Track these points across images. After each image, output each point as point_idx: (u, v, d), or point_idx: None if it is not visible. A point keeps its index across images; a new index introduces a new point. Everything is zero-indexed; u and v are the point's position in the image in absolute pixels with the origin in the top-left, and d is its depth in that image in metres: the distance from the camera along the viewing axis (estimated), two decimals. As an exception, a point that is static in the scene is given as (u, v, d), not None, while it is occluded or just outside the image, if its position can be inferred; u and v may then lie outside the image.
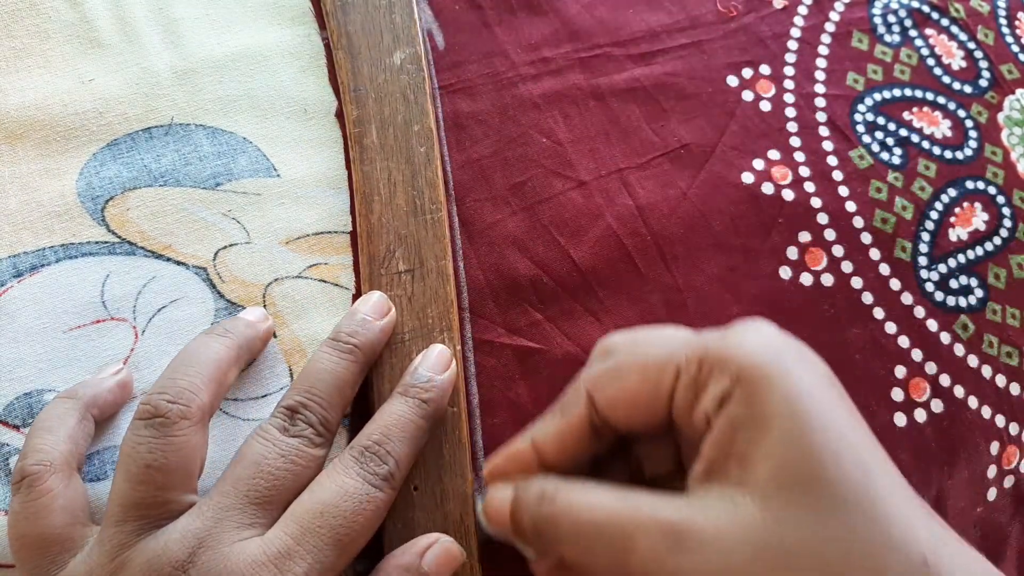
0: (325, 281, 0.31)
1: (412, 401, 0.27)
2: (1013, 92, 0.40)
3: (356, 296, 0.31)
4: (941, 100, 0.39)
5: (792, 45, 0.39)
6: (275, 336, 0.30)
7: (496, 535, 0.25)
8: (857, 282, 0.34)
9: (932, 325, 0.35)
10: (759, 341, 0.22)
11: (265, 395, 0.29)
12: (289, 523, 0.24)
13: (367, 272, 0.30)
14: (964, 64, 0.40)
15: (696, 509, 0.21)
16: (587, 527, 0.22)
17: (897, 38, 0.40)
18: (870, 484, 0.20)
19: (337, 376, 0.27)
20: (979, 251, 0.37)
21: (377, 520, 0.25)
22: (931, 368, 0.34)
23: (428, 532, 0.27)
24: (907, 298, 0.35)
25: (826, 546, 0.19)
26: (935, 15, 0.41)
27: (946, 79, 0.40)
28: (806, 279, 0.34)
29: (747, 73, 0.38)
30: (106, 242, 0.30)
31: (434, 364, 0.28)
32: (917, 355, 0.34)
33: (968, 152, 0.38)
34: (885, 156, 0.37)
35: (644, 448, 0.26)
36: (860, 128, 0.37)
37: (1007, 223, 0.37)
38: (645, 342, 0.24)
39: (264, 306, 0.30)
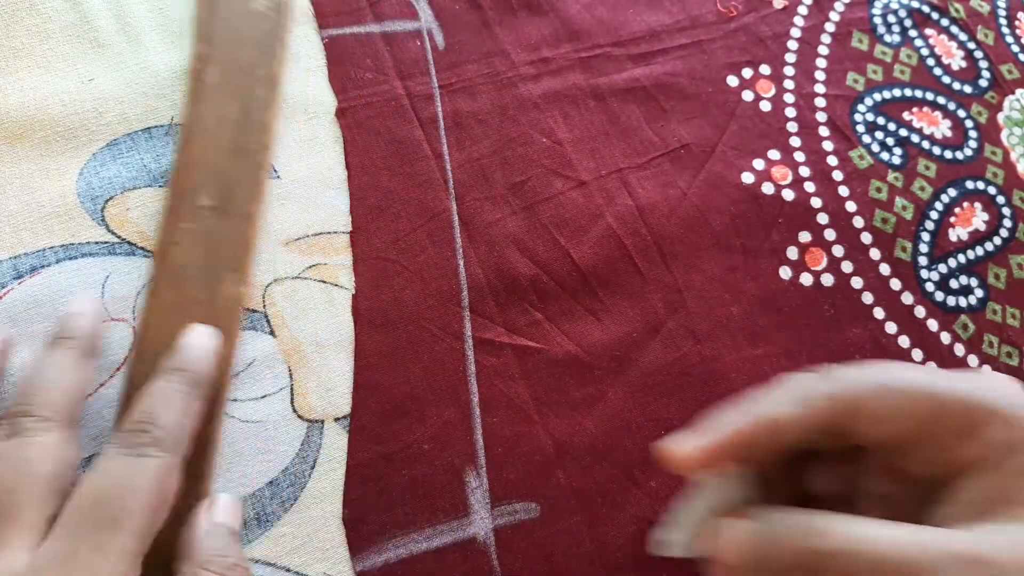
0: (325, 282, 0.31)
1: (166, 373, 0.26)
2: (1013, 92, 0.40)
3: (356, 296, 0.31)
4: (941, 100, 0.39)
5: (792, 45, 0.39)
6: (275, 336, 0.30)
7: (688, 554, 0.23)
8: (857, 282, 0.34)
9: (932, 325, 0.35)
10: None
11: (265, 396, 0.29)
12: (58, 529, 0.22)
13: (169, 202, 0.29)
14: (964, 64, 0.40)
15: (988, 538, 0.20)
16: (870, 562, 0.20)
17: (897, 38, 0.40)
18: None
19: (55, 365, 0.26)
20: (979, 251, 0.37)
21: (158, 486, 0.24)
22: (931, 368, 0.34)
23: None
24: (907, 298, 0.35)
25: None
26: (935, 15, 0.41)
27: (946, 79, 0.40)
28: (806, 279, 0.34)
29: (747, 73, 0.38)
30: (106, 242, 0.30)
31: (188, 341, 0.27)
32: (917, 355, 0.34)
33: (968, 152, 0.38)
34: (885, 156, 0.37)
35: (815, 469, 0.24)
36: (860, 128, 0.37)
37: (1007, 223, 0.37)
38: (912, 370, 0.23)
39: (264, 306, 0.30)
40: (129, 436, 0.24)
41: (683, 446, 0.23)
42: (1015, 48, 0.41)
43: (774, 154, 0.36)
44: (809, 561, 0.20)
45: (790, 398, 0.22)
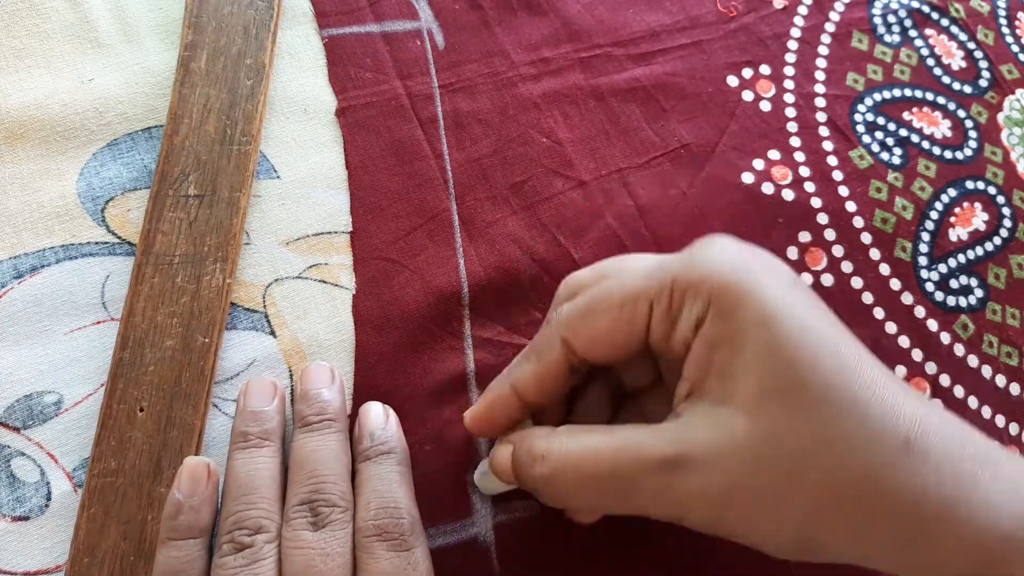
0: (325, 282, 0.31)
1: (377, 459, 0.27)
2: (1013, 92, 0.40)
3: (356, 296, 0.31)
4: (941, 100, 0.39)
5: (792, 45, 0.39)
6: (275, 336, 0.30)
7: (506, 489, 0.27)
8: (857, 282, 0.34)
9: (932, 325, 0.35)
10: (725, 259, 0.23)
11: (266, 396, 0.29)
12: None
13: (155, 190, 0.30)
14: (964, 64, 0.40)
15: (686, 434, 0.22)
16: (586, 476, 0.23)
17: (897, 38, 0.40)
18: (848, 381, 0.21)
19: (329, 450, 0.27)
20: (979, 251, 0.37)
21: (429, 571, 0.25)
22: (931, 368, 0.34)
23: (143, 453, 0.27)
24: (907, 298, 0.35)
25: (816, 445, 0.20)
26: (935, 15, 0.41)
27: (946, 79, 0.40)
28: (806, 279, 0.34)
29: (747, 73, 0.38)
30: (106, 243, 0.30)
31: (375, 419, 0.28)
32: (917, 355, 0.34)
33: (968, 152, 0.38)
34: (885, 156, 0.37)
35: (623, 367, 0.27)
36: (860, 128, 0.38)
37: (1007, 223, 0.37)
38: (613, 275, 0.25)
39: (264, 306, 0.30)
40: (394, 529, 0.25)
41: (466, 417, 0.27)
42: (1015, 48, 0.41)
43: (774, 154, 0.36)
44: (543, 484, 0.24)
45: (530, 354, 0.26)
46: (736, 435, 0.21)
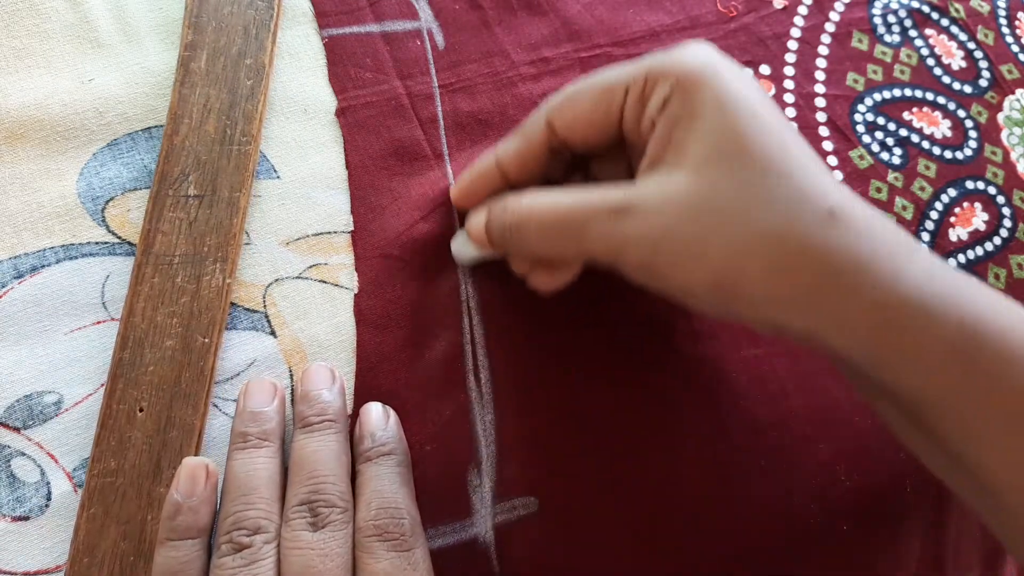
0: (325, 282, 0.31)
1: (377, 459, 0.27)
2: (1013, 92, 0.40)
3: (358, 296, 0.31)
4: (941, 100, 0.39)
5: (792, 45, 0.39)
6: (275, 336, 0.30)
7: (479, 257, 0.30)
8: (857, 282, 0.34)
9: (932, 325, 0.35)
10: (696, 53, 0.25)
11: (266, 396, 0.29)
12: None
13: (155, 190, 0.30)
14: (964, 64, 0.40)
15: (636, 190, 0.24)
16: (546, 223, 0.26)
17: (897, 38, 0.40)
18: (787, 155, 0.23)
19: (329, 451, 0.27)
20: (979, 251, 0.37)
21: (429, 571, 0.25)
22: (931, 368, 0.34)
23: (143, 453, 0.27)
24: (907, 298, 0.35)
25: (748, 203, 0.23)
26: (935, 15, 0.41)
27: (946, 79, 0.40)
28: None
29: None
30: (106, 243, 0.30)
31: (376, 421, 0.28)
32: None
33: (968, 152, 0.38)
34: (885, 156, 0.37)
35: (599, 165, 0.30)
36: (860, 128, 0.38)
37: (1007, 223, 0.37)
38: (599, 74, 0.27)
39: (264, 306, 0.30)
40: (394, 529, 0.25)
41: (452, 190, 0.30)
42: (1015, 48, 0.41)
43: (774, 154, 0.36)
44: (510, 231, 0.27)
45: (516, 133, 0.29)
46: (677, 190, 0.24)
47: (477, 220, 0.29)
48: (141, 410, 0.27)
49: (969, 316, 0.22)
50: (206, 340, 0.28)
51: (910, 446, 0.27)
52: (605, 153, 0.29)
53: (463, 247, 0.31)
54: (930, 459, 0.26)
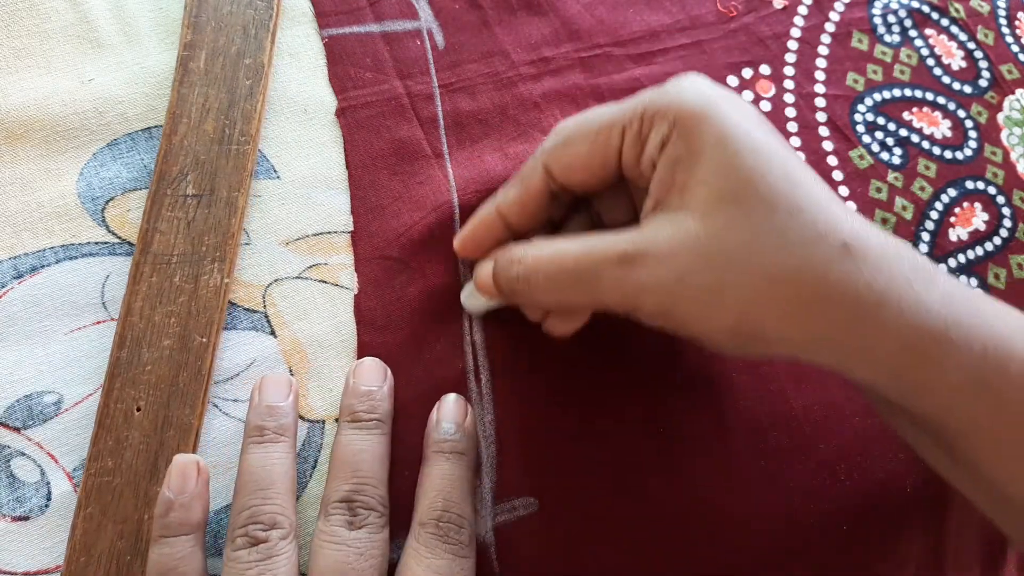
0: (325, 282, 0.31)
1: (452, 457, 0.27)
2: (1013, 92, 0.40)
3: (358, 296, 0.31)
4: (941, 100, 0.39)
5: (792, 45, 0.39)
6: (275, 337, 0.30)
7: (491, 307, 0.30)
8: (857, 282, 0.34)
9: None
10: (693, 89, 0.25)
11: (266, 396, 0.29)
12: None
13: (154, 189, 0.30)
14: (964, 64, 0.40)
15: (644, 236, 0.24)
16: (554, 274, 0.25)
17: (897, 38, 0.40)
18: (795, 190, 0.23)
19: (374, 453, 0.27)
20: (979, 251, 0.37)
21: None
22: (931, 368, 0.34)
23: (140, 453, 0.27)
24: (907, 298, 0.35)
25: (760, 245, 0.22)
26: (935, 15, 0.41)
27: (946, 79, 0.40)
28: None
29: (747, 73, 0.38)
30: (106, 243, 0.30)
31: (454, 413, 0.28)
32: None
33: (968, 152, 0.38)
34: (885, 156, 0.37)
35: (601, 202, 0.29)
36: (860, 128, 0.38)
37: (1007, 223, 0.37)
38: (592, 114, 0.27)
39: (264, 306, 0.30)
40: (452, 532, 0.26)
41: (456, 241, 0.29)
42: (1015, 48, 0.41)
43: (774, 154, 0.36)
44: (519, 283, 0.26)
45: (515, 181, 0.28)
46: (688, 234, 0.23)
47: (484, 272, 0.28)
48: (138, 409, 0.27)
49: (992, 340, 0.22)
50: (204, 340, 0.28)
51: (938, 469, 0.26)
52: (607, 191, 0.28)
53: (473, 298, 0.30)
54: (960, 483, 0.26)
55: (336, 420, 0.29)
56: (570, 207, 0.30)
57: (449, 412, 0.28)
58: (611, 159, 0.26)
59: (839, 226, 0.23)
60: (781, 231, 0.22)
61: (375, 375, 0.29)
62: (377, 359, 0.29)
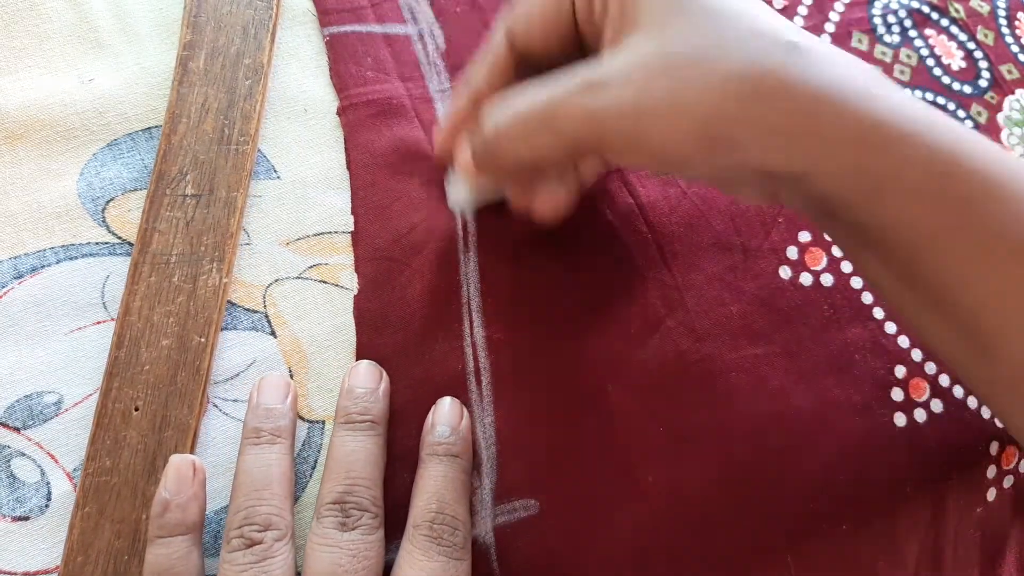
0: (326, 282, 0.31)
1: (447, 459, 0.27)
2: (1013, 92, 0.40)
3: (358, 297, 0.31)
4: (941, 100, 0.39)
5: (792, 45, 0.39)
6: (275, 337, 0.30)
7: (475, 199, 0.31)
8: (857, 282, 0.34)
9: (932, 325, 0.35)
10: None
11: (265, 396, 0.29)
12: None
13: (153, 189, 0.30)
14: (964, 64, 0.40)
15: (604, 63, 0.24)
16: (524, 117, 0.25)
17: (897, 38, 0.40)
18: (734, 1, 0.24)
19: (368, 452, 0.27)
20: (979, 251, 0.37)
21: None
22: (931, 368, 0.34)
23: (138, 453, 0.27)
24: (907, 298, 0.35)
25: (712, 46, 0.23)
26: (935, 15, 0.41)
27: (946, 79, 0.40)
28: (806, 279, 0.34)
29: (747, 73, 0.38)
30: (106, 243, 0.30)
31: (449, 417, 0.28)
32: (917, 355, 0.34)
33: (968, 152, 0.38)
34: (885, 156, 0.37)
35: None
36: (860, 128, 0.37)
37: (1007, 223, 0.37)
38: None
39: (264, 306, 0.30)
40: (446, 534, 0.26)
41: (437, 145, 0.31)
42: (1015, 48, 0.41)
43: (774, 154, 0.36)
44: (493, 144, 0.26)
45: (480, 57, 0.29)
46: (642, 51, 0.24)
47: (464, 154, 0.28)
48: (137, 409, 0.27)
49: (941, 143, 0.23)
50: (202, 339, 0.28)
51: (891, 299, 0.27)
52: (568, 61, 0.29)
53: (457, 190, 0.31)
54: (911, 310, 0.26)
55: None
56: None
57: (444, 415, 0.28)
58: (565, 8, 0.27)
59: (784, 29, 0.23)
60: (728, 31, 0.23)
61: (370, 378, 0.29)
62: (372, 362, 0.29)
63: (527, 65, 0.28)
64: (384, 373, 0.29)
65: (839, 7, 0.40)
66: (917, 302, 0.25)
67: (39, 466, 0.27)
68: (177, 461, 0.26)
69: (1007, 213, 0.22)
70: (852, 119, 0.22)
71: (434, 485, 0.27)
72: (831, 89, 0.22)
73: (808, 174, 0.23)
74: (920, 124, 0.23)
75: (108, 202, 0.30)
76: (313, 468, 0.29)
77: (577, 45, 0.28)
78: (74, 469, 0.27)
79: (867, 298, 0.34)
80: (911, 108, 0.23)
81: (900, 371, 0.33)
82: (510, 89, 0.27)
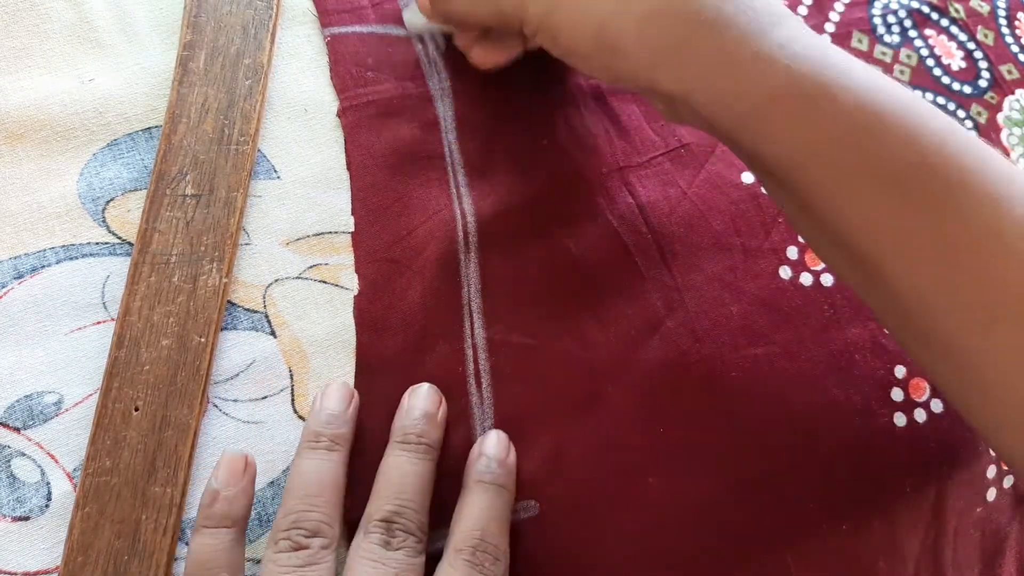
0: (326, 282, 0.31)
1: (493, 488, 0.27)
2: (1013, 92, 0.40)
3: (358, 298, 0.31)
4: (941, 100, 0.39)
5: (792, 45, 0.39)
6: (275, 337, 0.30)
7: (427, 28, 0.34)
8: (857, 282, 0.34)
9: (932, 325, 0.35)
10: None
11: (264, 396, 0.29)
12: None
13: (153, 189, 0.30)
14: (964, 64, 0.40)
15: None
16: None
17: (897, 38, 0.40)
18: None
19: (420, 477, 0.27)
20: (979, 251, 0.37)
21: None
22: (931, 368, 0.34)
23: (138, 453, 0.27)
24: (907, 298, 0.35)
25: None
26: (935, 15, 0.41)
27: (945, 79, 0.40)
28: (806, 279, 0.34)
29: (747, 73, 0.38)
30: (107, 243, 0.30)
31: (497, 447, 0.28)
32: (917, 355, 0.34)
33: (968, 152, 0.38)
34: (885, 156, 0.37)
35: None
36: (860, 128, 0.37)
37: (1007, 223, 0.37)
38: None
39: (264, 306, 0.30)
40: (487, 562, 0.26)
41: None
42: (1015, 48, 0.41)
43: (774, 154, 0.36)
44: None
45: None
46: None
47: None
48: (137, 409, 0.27)
49: (824, 77, 0.24)
50: (202, 339, 0.28)
51: (794, 226, 0.28)
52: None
53: (413, 15, 0.34)
54: (808, 235, 0.28)
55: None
56: None
57: (492, 447, 0.28)
58: None
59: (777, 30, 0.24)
60: None
61: (432, 401, 0.29)
62: (432, 387, 0.29)
63: None
64: (444, 400, 0.29)
65: (839, 7, 0.40)
66: (811, 227, 0.27)
67: (39, 466, 0.27)
68: (230, 455, 0.26)
69: (878, 143, 0.23)
70: (732, 49, 0.24)
71: (480, 512, 0.27)
72: (725, 18, 0.24)
73: (688, 96, 0.25)
74: (805, 57, 0.24)
75: (108, 202, 0.30)
76: (313, 468, 0.28)
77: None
78: (74, 469, 0.27)
79: (867, 298, 0.34)
80: (804, 43, 0.24)
81: (900, 371, 0.33)
82: None
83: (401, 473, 0.27)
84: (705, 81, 0.25)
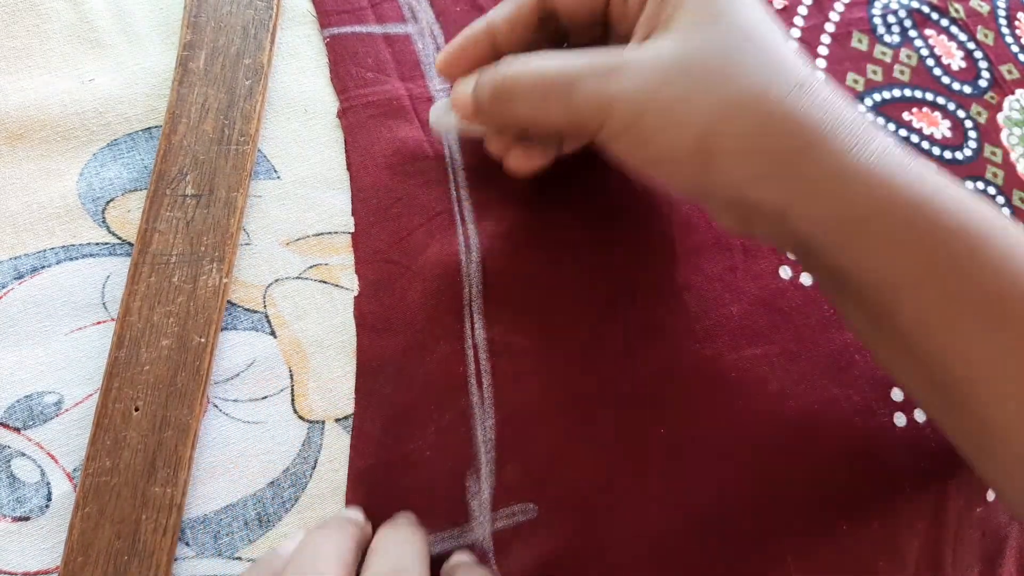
0: (326, 282, 0.31)
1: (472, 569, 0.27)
2: (1013, 92, 0.40)
3: (358, 298, 0.31)
4: (941, 100, 0.39)
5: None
6: (275, 337, 0.30)
7: (458, 128, 0.31)
8: (857, 282, 0.34)
9: (932, 325, 0.35)
10: None
11: (265, 396, 0.29)
12: None
13: (152, 189, 0.30)
14: (964, 64, 0.40)
15: (626, 53, 0.25)
16: (537, 81, 0.26)
17: (897, 38, 0.40)
18: (766, 27, 0.25)
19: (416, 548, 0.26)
20: (979, 251, 0.37)
21: None
22: (931, 368, 0.34)
23: (138, 453, 0.27)
24: (907, 298, 0.35)
25: (731, 65, 0.24)
26: (935, 15, 0.41)
27: (946, 79, 0.40)
28: (806, 279, 0.34)
29: (747, 73, 0.38)
30: (107, 243, 0.30)
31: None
32: (917, 355, 0.34)
33: (968, 152, 0.38)
34: (885, 156, 0.37)
35: (579, 42, 0.30)
36: (860, 128, 0.37)
37: (1007, 223, 0.37)
38: None
39: (264, 306, 0.30)
40: None
41: (439, 58, 0.30)
42: (1015, 48, 0.41)
43: (774, 154, 0.36)
44: (501, 89, 0.27)
45: (507, 4, 0.29)
46: (665, 51, 0.24)
47: (464, 87, 0.28)
48: (137, 409, 0.27)
49: (922, 193, 0.23)
50: (202, 340, 0.28)
51: (864, 340, 0.28)
52: (587, 34, 0.29)
53: (444, 115, 0.31)
54: (884, 354, 0.27)
55: (336, 420, 0.29)
56: (552, 44, 0.30)
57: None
58: None
59: (797, 69, 0.24)
60: (751, 56, 0.24)
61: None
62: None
63: (547, 22, 0.29)
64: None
65: (839, 7, 0.40)
66: (889, 347, 0.26)
67: (39, 466, 0.27)
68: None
69: (977, 268, 0.23)
70: (837, 164, 0.23)
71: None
72: (825, 131, 0.23)
73: (787, 212, 0.24)
74: (903, 173, 0.23)
75: (108, 202, 0.30)
76: (313, 468, 0.29)
77: (602, 25, 0.29)
78: (74, 469, 0.27)
79: (867, 298, 0.34)
80: (901, 158, 0.24)
81: (900, 371, 0.33)
82: (527, 54, 0.27)
83: (408, 546, 0.26)
84: (809, 196, 0.24)
